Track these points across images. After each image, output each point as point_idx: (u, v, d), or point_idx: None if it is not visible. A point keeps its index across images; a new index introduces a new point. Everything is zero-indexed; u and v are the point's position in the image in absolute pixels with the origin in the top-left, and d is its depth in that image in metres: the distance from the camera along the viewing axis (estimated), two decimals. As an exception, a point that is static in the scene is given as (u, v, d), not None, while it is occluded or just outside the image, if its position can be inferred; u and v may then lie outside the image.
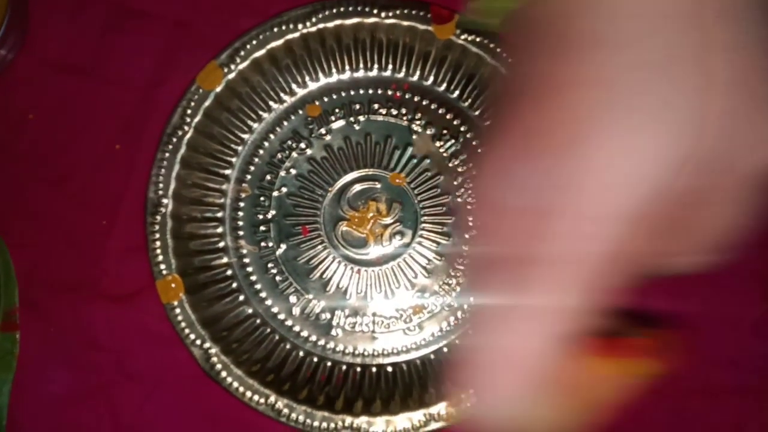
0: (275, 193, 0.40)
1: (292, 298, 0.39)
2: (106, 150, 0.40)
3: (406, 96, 0.40)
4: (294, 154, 0.40)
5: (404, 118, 0.40)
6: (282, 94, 0.40)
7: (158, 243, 0.38)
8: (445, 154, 0.40)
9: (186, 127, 0.38)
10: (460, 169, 0.40)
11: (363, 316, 0.39)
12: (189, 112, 0.38)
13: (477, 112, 0.40)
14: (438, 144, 0.40)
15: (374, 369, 0.38)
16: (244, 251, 0.39)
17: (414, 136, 0.40)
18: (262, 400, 0.36)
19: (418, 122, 0.40)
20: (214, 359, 0.37)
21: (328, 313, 0.39)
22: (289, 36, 0.39)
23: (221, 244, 0.39)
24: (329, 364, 0.39)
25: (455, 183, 0.40)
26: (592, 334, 0.21)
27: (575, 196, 0.18)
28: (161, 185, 0.38)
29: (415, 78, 0.40)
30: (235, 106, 0.40)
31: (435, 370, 0.38)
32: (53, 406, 0.39)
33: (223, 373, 0.37)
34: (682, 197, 0.19)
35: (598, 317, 0.22)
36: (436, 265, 0.39)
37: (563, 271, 0.19)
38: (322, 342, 0.39)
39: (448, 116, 0.40)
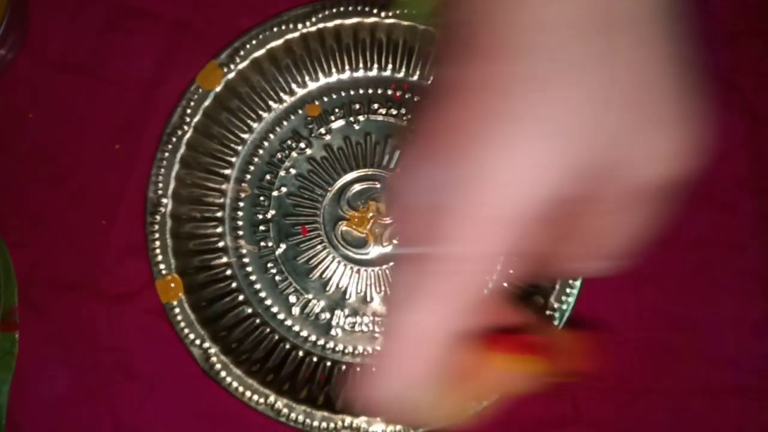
0: (275, 193, 0.40)
1: (292, 298, 0.39)
2: (105, 150, 0.40)
3: (406, 96, 0.40)
4: (294, 154, 0.40)
5: (404, 118, 0.40)
6: (282, 94, 0.40)
7: (158, 243, 0.38)
8: (444, 154, 0.40)
9: (186, 127, 0.38)
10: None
11: (363, 316, 0.39)
12: (189, 111, 0.38)
13: (477, 112, 0.40)
14: (438, 144, 0.40)
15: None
16: (244, 251, 0.39)
17: (414, 136, 0.40)
18: (262, 400, 0.36)
19: (417, 122, 0.40)
20: (214, 359, 0.37)
21: (328, 312, 0.39)
22: (289, 36, 0.39)
23: (221, 244, 0.39)
24: (329, 364, 0.39)
25: (455, 183, 0.40)
26: (490, 329, 0.23)
27: (471, 198, 0.19)
28: (161, 185, 0.38)
29: (415, 78, 0.40)
30: (234, 105, 0.40)
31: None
32: (53, 405, 0.39)
33: (223, 373, 0.37)
34: (579, 204, 0.20)
35: (499, 313, 0.24)
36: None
37: (459, 270, 0.19)
38: (321, 342, 0.39)
39: (447, 116, 0.40)
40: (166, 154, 0.38)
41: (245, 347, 0.38)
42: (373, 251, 0.39)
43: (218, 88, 0.38)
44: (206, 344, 0.37)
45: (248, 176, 0.40)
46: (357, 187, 0.40)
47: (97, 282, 0.39)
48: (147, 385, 0.39)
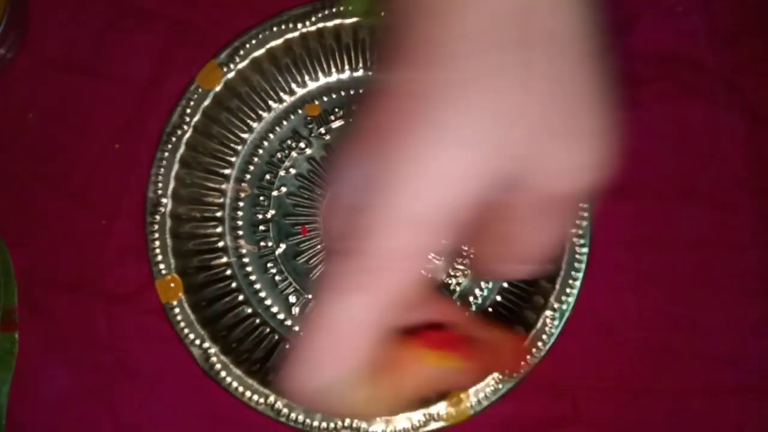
0: (275, 193, 0.40)
1: (292, 298, 0.39)
2: (105, 149, 0.40)
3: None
4: (293, 154, 0.40)
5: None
6: (282, 94, 0.40)
7: (158, 243, 0.37)
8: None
9: (185, 127, 0.38)
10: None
11: (363, 315, 0.39)
12: (188, 111, 0.38)
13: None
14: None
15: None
16: (244, 251, 0.39)
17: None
18: (262, 400, 0.36)
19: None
20: (214, 359, 0.37)
21: (328, 312, 0.39)
22: (289, 35, 0.39)
23: (221, 244, 0.39)
24: (329, 363, 0.38)
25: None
26: (419, 325, 0.24)
27: (394, 200, 0.20)
28: (160, 185, 0.38)
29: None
30: (234, 105, 0.39)
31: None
32: (53, 405, 0.39)
33: (223, 373, 0.37)
34: (497, 210, 0.21)
35: (430, 310, 0.25)
36: (436, 264, 0.39)
37: (386, 267, 0.20)
38: (321, 342, 0.39)
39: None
40: (166, 154, 0.38)
41: (245, 347, 0.38)
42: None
43: (218, 88, 0.38)
44: (206, 344, 0.37)
45: (248, 176, 0.40)
46: (357, 186, 0.40)
47: (97, 282, 0.39)
48: (147, 385, 0.39)
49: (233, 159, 0.40)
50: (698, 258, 0.39)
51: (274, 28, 0.39)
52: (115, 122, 0.40)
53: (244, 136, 0.40)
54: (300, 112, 0.40)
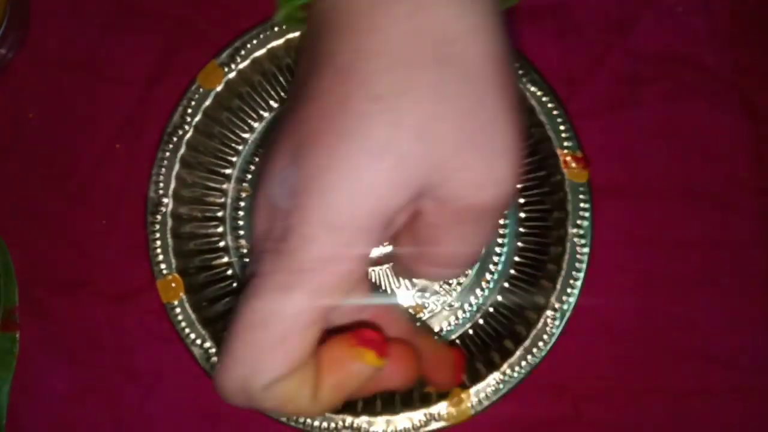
0: (275, 193, 0.40)
1: (293, 298, 0.39)
2: (106, 149, 0.40)
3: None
4: (294, 154, 0.40)
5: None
6: (283, 94, 0.40)
7: (158, 242, 0.37)
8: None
9: (186, 127, 0.38)
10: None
11: (363, 315, 0.39)
12: (189, 111, 0.38)
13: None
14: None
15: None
16: (245, 251, 0.39)
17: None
18: (263, 400, 0.36)
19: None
20: (215, 359, 0.37)
21: (329, 312, 0.39)
22: (290, 35, 0.39)
23: (222, 244, 0.39)
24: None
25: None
26: (348, 324, 0.26)
27: (319, 204, 0.21)
28: (161, 184, 0.38)
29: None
30: (235, 105, 0.39)
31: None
32: (53, 405, 0.39)
33: (224, 373, 0.37)
34: (421, 218, 0.23)
35: (356, 312, 0.26)
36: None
37: (309, 271, 0.22)
38: (322, 342, 0.39)
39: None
40: (167, 154, 0.38)
41: (246, 347, 0.38)
42: (374, 251, 0.39)
43: (219, 88, 0.38)
44: (207, 344, 0.37)
45: (249, 176, 0.40)
46: (357, 186, 0.40)
47: (97, 282, 0.39)
48: (147, 385, 0.39)
49: (234, 159, 0.40)
50: (698, 258, 0.39)
51: (275, 28, 0.39)
52: (116, 122, 0.40)
53: (246, 136, 0.40)
54: (300, 112, 0.40)
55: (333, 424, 0.36)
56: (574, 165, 0.37)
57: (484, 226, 0.24)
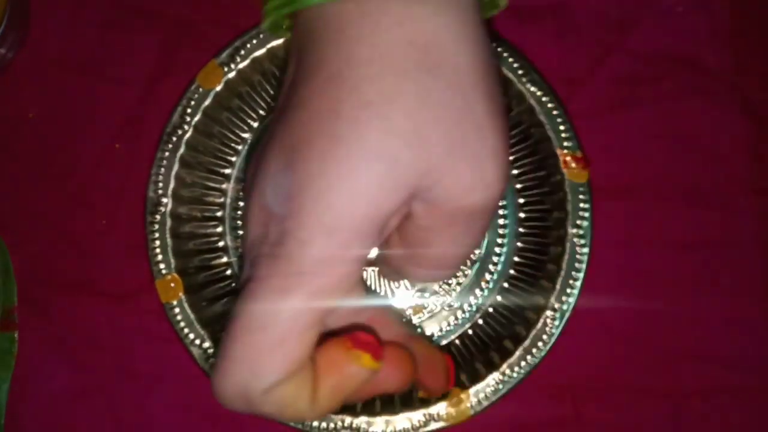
0: (275, 193, 0.40)
1: (292, 298, 0.39)
2: (105, 149, 0.40)
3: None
4: (294, 154, 0.40)
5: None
6: (282, 94, 0.40)
7: (158, 242, 0.37)
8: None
9: (186, 126, 0.38)
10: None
11: (363, 315, 0.39)
12: (189, 111, 0.38)
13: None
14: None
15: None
16: (244, 251, 0.39)
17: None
18: (262, 400, 0.36)
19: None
20: (214, 359, 0.37)
21: (328, 312, 0.39)
22: (290, 35, 0.39)
23: (221, 244, 0.39)
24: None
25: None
26: (344, 327, 0.26)
27: (313, 209, 0.21)
28: (161, 184, 0.38)
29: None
30: (235, 105, 0.39)
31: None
32: (52, 405, 0.39)
33: (223, 373, 0.37)
34: (412, 220, 0.23)
35: (352, 315, 0.26)
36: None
37: (305, 275, 0.22)
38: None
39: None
40: (167, 154, 0.38)
41: (245, 347, 0.38)
42: (374, 251, 0.39)
43: (218, 88, 0.38)
44: (206, 344, 0.37)
45: (248, 176, 0.40)
46: (357, 186, 0.40)
47: (97, 282, 0.39)
48: (147, 385, 0.39)
49: (234, 159, 0.40)
50: (698, 258, 0.39)
51: (275, 28, 0.39)
52: (115, 122, 0.40)
53: (245, 135, 0.40)
54: (300, 112, 0.40)
55: (332, 425, 0.36)
56: (573, 165, 0.37)
57: (473, 228, 0.24)
